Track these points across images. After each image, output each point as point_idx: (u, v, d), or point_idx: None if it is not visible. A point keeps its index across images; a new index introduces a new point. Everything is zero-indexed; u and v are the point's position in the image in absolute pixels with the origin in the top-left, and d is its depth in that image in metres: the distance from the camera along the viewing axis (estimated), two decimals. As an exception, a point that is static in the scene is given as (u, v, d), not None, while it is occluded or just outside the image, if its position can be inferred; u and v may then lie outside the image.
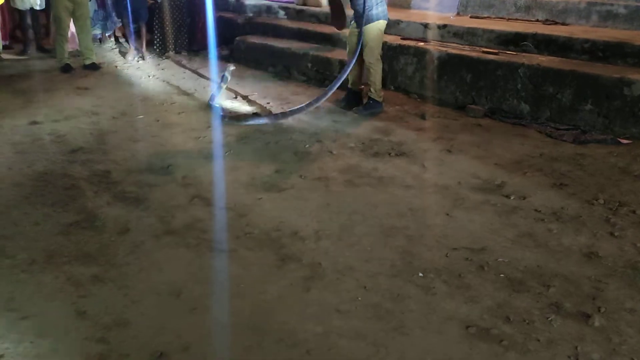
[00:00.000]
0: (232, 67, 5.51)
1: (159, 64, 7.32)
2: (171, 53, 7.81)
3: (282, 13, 8.08)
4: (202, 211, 3.19)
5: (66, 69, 6.68)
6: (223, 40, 8.08)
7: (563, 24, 5.54)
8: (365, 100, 5.14)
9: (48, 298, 2.37)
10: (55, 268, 2.58)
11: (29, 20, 7.52)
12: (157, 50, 7.77)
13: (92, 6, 7.59)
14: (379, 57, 4.95)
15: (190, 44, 8.07)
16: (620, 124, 4.24)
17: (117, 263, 2.63)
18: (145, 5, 7.59)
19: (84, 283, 2.47)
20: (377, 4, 4.77)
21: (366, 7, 4.70)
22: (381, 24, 4.83)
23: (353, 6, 4.85)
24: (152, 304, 2.34)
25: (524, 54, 5.07)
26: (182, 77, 6.62)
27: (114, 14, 7.95)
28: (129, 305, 2.33)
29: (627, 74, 4.26)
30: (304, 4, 7.82)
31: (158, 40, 7.78)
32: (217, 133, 4.54)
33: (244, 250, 2.77)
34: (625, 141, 4.12)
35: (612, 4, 5.20)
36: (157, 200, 3.31)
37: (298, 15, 7.78)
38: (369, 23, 4.76)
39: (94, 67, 6.84)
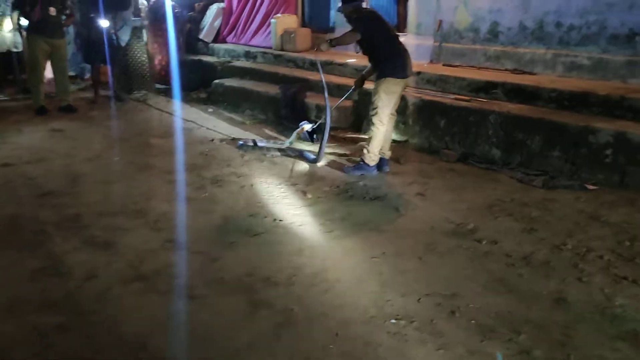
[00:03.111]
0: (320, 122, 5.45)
1: (136, 106, 7.34)
2: (137, 93, 7.93)
3: (260, 57, 8.24)
4: (173, 256, 3.15)
5: (41, 111, 6.65)
6: (202, 83, 8.19)
7: (530, 73, 5.74)
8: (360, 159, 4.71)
9: (11, 348, 2.29)
10: (19, 317, 2.51)
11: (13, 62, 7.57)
12: (120, 91, 7.85)
13: (70, 49, 7.63)
14: (381, 120, 4.50)
15: (153, 82, 8.24)
16: (587, 170, 4.36)
17: (83, 311, 2.57)
18: (104, 48, 7.43)
19: (48, 333, 2.40)
20: (388, 59, 4.48)
21: (376, 61, 4.59)
22: (387, 81, 4.45)
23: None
24: (117, 356, 2.27)
25: (494, 101, 5.23)
26: (159, 120, 6.64)
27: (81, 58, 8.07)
28: (94, 356, 2.26)
29: (592, 123, 4.41)
30: (282, 49, 7.99)
31: (122, 80, 7.91)
32: (192, 176, 4.53)
33: (215, 296, 2.73)
34: (591, 187, 4.22)
35: (576, 56, 5.43)
36: (127, 245, 3.26)
37: (276, 59, 7.93)
38: (377, 79, 4.53)
39: (70, 109, 6.83)
